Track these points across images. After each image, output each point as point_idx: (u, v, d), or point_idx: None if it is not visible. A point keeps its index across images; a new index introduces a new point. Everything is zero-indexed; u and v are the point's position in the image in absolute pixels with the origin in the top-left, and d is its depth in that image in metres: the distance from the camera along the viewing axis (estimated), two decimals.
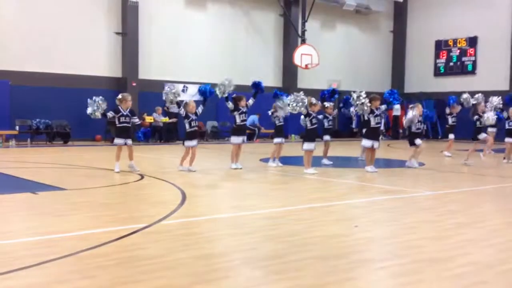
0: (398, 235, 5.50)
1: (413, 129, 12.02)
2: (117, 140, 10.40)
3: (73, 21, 19.68)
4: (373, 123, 10.90)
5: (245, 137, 11.49)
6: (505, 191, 8.97)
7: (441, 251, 4.78)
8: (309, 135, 10.60)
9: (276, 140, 11.96)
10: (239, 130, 11.31)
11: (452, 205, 7.27)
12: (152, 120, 20.54)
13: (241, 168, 11.07)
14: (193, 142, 10.69)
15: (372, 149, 10.97)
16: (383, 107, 11.13)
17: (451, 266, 4.31)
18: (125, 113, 10.36)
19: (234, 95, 11.56)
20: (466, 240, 5.23)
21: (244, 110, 11.27)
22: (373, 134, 10.93)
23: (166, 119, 20.50)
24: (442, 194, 8.35)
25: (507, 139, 13.73)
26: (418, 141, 11.94)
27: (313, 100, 10.84)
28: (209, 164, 12.16)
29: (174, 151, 16.26)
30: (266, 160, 13.11)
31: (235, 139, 11.25)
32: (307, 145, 10.50)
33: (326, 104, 12.44)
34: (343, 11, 26.15)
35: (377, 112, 10.88)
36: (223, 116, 21.91)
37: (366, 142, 11.00)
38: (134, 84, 20.75)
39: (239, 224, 5.97)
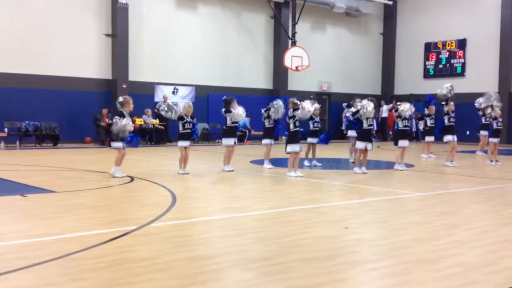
0: (387, 236, 5.52)
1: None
2: (117, 144, 10.06)
3: (62, 22, 19.57)
4: (365, 125, 11.08)
5: (236, 139, 11.46)
6: (493, 192, 9.04)
7: (431, 252, 4.81)
8: (292, 137, 10.53)
9: (265, 141, 11.99)
10: (230, 132, 11.35)
11: (441, 207, 7.32)
12: (142, 122, 20.48)
13: (232, 171, 11.06)
14: (186, 143, 10.65)
15: (365, 151, 11.06)
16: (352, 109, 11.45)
17: (441, 267, 4.34)
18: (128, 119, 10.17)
19: (224, 97, 11.54)
20: (455, 241, 5.27)
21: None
22: (366, 136, 11.05)
23: (156, 121, 20.45)
24: (432, 195, 8.40)
25: (491, 139, 13.87)
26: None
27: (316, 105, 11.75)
28: (199, 166, 12.14)
29: (164, 153, 16.23)
30: (256, 162, 13.13)
31: (226, 141, 11.29)
32: (291, 147, 10.47)
33: (317, 106, 12.53)
34: (333, 13, 26.25)
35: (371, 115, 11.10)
36: (214, 119, 21.91)
37: (360, 144, 11.08)
38: (124, 86, 20.66)
39: (230, 226, 5.97)
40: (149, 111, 20.82)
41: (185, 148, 10.62)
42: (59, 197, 7.65)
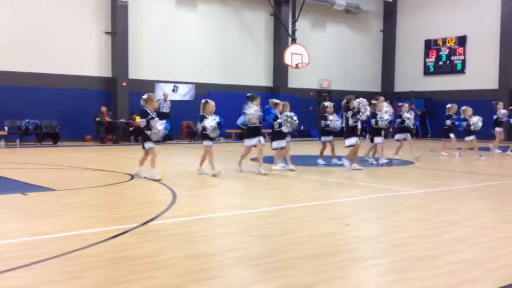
0: (388, 234, 5.52)
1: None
2: (150, 144, 9.58)
3: (62, 20, 19.56)
4: (351, 122, 11.25)
5: (260, 137, 10.59)
6: (493, 189, 9.04)
7: (431, 249, 4.81)
8: (277, 135, 10.94)
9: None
10: (251, 132, 10.59)
11: (441, 204, 7.32)
12: None
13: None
14: (211, 142, 10.12)
15: (357, 146, 11.24)
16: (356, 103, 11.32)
17: (441, 263, 4.33)
18: (153, 115, 9.54)
19: (249, 94, 10.94)
20: (455, 238, 5.27)
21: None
22: (355, 132, 11.34)
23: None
24: (431, 192, 8.40)
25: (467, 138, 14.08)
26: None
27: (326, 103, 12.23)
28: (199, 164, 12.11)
29: (164, 151, 16.22)
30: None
31: (248, 142, 10.65)
32: (277, 143, 10.93)
33: (326, 103, 12.41)
34: (333, 10, 26.21)
35: (354, 112, 11.20)
36: None
37: (352, 140, 11.15)
38: (124, 84, 20.67)
39: (230, 223, 5.96)
40: None
41: (210, 147, 10.15)
42: (59, 195, 7.64)
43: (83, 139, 19.87)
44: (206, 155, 10.25)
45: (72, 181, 9.32)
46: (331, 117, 12.01)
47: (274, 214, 6.49)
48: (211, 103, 10.19)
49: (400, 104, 15.17)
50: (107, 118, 19.75)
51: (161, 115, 10.19)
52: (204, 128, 9.96)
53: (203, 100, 10.32)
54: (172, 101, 21.31)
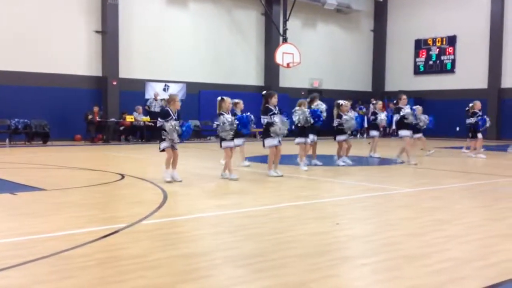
0: (378, 232, 5.54)
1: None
2: (164, 144, 9.07)
3: (52, 19, 19.44)
4: (302, 122, 10.99)
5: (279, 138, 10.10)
6: (483, 188, 9.10)
7: (421, 247, 4.84)
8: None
9: (298, 140, 11.27)
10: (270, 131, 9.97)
11: (431, 202, 7.36)
12: (132, 120, 20.42)
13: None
14: (230, 143, 9.47)
15: (306, 145, 11.19)
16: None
17: (431, 262, 4.36)
18: (174, 116, 9.04)
19: (264, 92, 10.47)
20: (445, 237, 5.30)
21: (276, 112, 9.90)
22: (308, 131, 11.15)
23: (147, 119, 20.37)
24: (422, 191, 8.44)
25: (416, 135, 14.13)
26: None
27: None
28: (191, 164, 12.11)
29: (155, 151, 16.17)
30: (248, 160, 13.04)
31: (269, 142, 9.98)
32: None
33: (340, 102, 12.29)
34: (324, 10, 26.27)
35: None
36: (205, 116, 21.87)
37: (300, 139, 11.11)
38: (114, 83, 20.58)
39: (221, 223, 5.96)
40: (140, 108, 20.75)
41: (231, 148, 9.56)
42: (49, 195, 7.60)
43: (73, 139, 19.77)
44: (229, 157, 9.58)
45: (62, 180, 9.26)
46: (345, 116, 11.92)
47: (265, 213, 6.50)
48: (227, 100, 9.52)
49: (374, 102, 15.36)
50: (97, 118, 19.67)
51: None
52: (218, 125, 9.28)
53: (219, 98, 9.56)
54: (163, 100, 21.27)
